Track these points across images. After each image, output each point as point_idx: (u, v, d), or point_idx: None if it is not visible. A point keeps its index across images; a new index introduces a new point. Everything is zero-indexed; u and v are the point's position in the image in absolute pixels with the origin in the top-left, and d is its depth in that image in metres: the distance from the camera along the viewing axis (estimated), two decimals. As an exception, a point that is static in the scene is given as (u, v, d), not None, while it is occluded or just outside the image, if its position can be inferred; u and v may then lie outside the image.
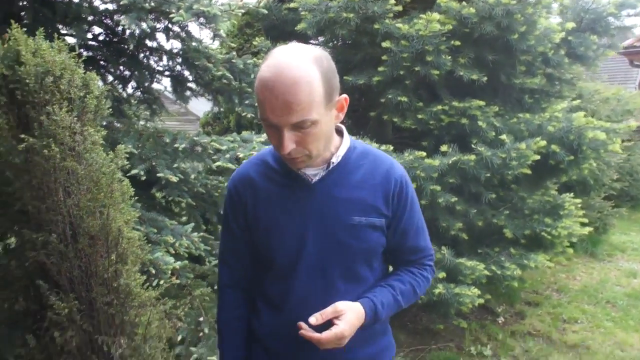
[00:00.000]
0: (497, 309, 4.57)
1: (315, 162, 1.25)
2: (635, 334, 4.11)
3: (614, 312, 4.59)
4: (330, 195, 1.27)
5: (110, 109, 1.95)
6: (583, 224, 4.35)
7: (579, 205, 4.53)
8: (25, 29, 2.60)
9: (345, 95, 1.24)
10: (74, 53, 1.77)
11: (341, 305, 1.23)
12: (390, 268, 1.46)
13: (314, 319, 1.20)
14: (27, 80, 1.58)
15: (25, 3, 2.59)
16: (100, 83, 2.92)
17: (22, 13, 2.65)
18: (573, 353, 3.82)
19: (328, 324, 1.21)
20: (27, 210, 1.67)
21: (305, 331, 1.21)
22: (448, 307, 3.49)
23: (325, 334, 1.19)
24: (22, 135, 1.57)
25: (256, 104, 2.91)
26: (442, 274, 3.37)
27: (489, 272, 3.57)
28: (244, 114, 2.98)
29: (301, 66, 1.09)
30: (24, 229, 1.65)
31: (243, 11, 2.72)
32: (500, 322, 4.39)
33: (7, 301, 1.77)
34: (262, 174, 1.32)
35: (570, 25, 3.59)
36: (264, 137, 2.79)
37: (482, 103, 3.42)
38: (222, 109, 3.19)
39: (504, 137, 3.33)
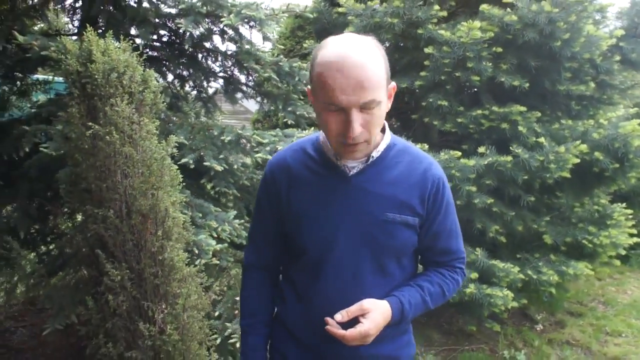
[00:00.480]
0: (536, 316, 4.54)
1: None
2: (680, 350, 3.98)
3: (662, 328, 4.45)
4: (366, 190, 1.27)
5: (166, 104, 2.19)
6: (632, 235, 4.25)
7: (630, 216, 4.43)
8: (100, 31, 2.94)
9: (394, 83, 1.23)
10: (136, 52, 2.03)
11: (367, 304, 1.24)
12: (420, 268, 1.46)
13: (340, 316, 1.22)
14: (96, 76, 1.85)
15: (101, 7, 2.90)
16: (160, 80, 3.22)
17: (98, 17, 2.98)
18: (611, 364, 3.76)
19: (354, 320, 1.23)
20: (90, 189, 1.93)
21: (331, 327, 1.23)
22: (479, 308, 3.54)
23: (350, 332, 1.20)
24: (90, 123, 1.83)
25: (300, 108, 3.13)
26: (474, 274, 3.43)
27: (524, 276, 3.59)
28: (284, 120, 3.17)
29: (367, 48, 1.12)
30: (88, 205, 1.91)
31: (287, 15, 2.91)
32: (538, 329, 4.37)
33: (73, 268, 2.05)
34: (299, 161, 1.33)
35: (620, 32, 3.54)
36: (305, 132, 2.98)
37: (523, 109, 3.45)
38: (271, 108, 3.39)
39: (542, 140, 3.34)
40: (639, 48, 3.70)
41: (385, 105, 1.20)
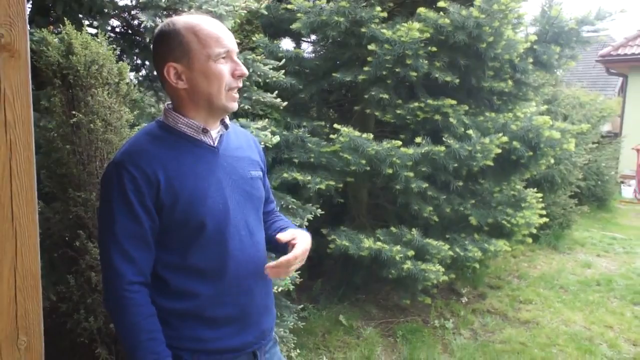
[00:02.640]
0: (461, 290, 5.05)
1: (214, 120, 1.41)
2: (579, 312, 4.63)
3: (564, 296, 5.11)
4: (230, 156, 1.43)
5: (137, 95, 2.32)
6: (541, 216, 4.85)
7: (541, 199, 5.04)
8: (52, 19, 2.96)
9: None
10: (112, 46, 2.15)
11: (292, 231, 1.47)
12: None
13: (282, 237, 1.42)
14: (78, 67, 1.96)
15: (55, -4, 2.92)
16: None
17: (51, 6, 2.99)
18: (524, 327, 4.31)
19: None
20: (71, 174, 2.05)
21: (275, 262, 1.37)
22: (415, 283, 3.94)
23: (298, 248, 1.39)
24: (73, 112, 1.95)
25: (255, 94, 3.33)
26: (410, 252, 3.82)
27: (453, 253, 4.03)
28: (241, 105, 3.36)
29: None
30: (69, 188, 2.02)
31: (245, 11, 3.09)
32: (463, 301, 4.87)
33: (48, 248, 2.15)
34: (165, 146, 1.34)
35: (533, 37, 4.06)
36: (260, 124, 3.18)
37: (453, 102, 3.87)
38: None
39: (470, 132, 3.78)
40: (549, 51, 4.23)
41: None
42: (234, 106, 1.39)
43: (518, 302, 4.90)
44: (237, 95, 1.38)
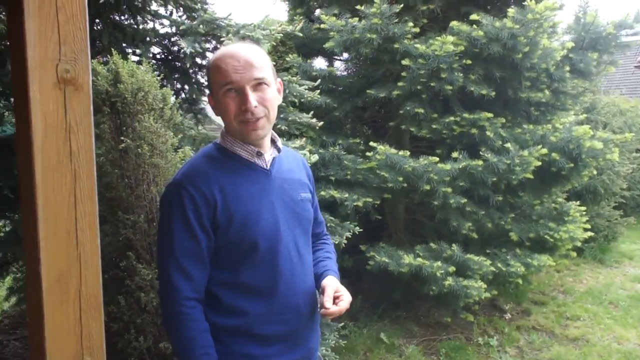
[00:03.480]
0: (504, 307, 4.92)
1: (266, 143, 1.44)
2: (632, 330, 4.44)
3: (615, 312, 4.91)
4: (282, 178, 1.47)
5: (180, 119, 2.39)
6: (586, 229, 4.70)
7: (584, 213, 4.88)
8: (98, 49, 3.10)
9: (280, 79, 1.49)
10: (156, 73, 2.24)
11: (333, 283, 1.48)
12: None
13: (330, 304, 1.41)
14: (125, 95, 2.04)
15: (100, 27, 3.07)
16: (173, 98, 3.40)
17: (96, 37, 3.14)
18: (573, 345, 4.16)
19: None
20: (119, 197, 2.12)
21: (326, 310, 1.40)
22: (456, 299, 3.87)
23: (343, 304, 1.43)
24: (122, 138, 2.02)
25: (291, 114, 3.37)
26: (451, 268, 3.75)
27: (494, 269, 3.95)
28: (278, 126, 3.42)
29: (253, 44, 1.43)
30: (118, 211, 2.09)
31: (281, 35, 3.16)
32: (507, 318, 4.74)
33: (104, 270, 2.22)
34: (221, 168, 1.40)
35: (570, 44, 3.99)
36: (298, 143, 3.22)
37: (490, 115, 3.83)
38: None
39: (508, 145, 3.72)
40: (586, 58, 4.14)
41: (275, 91, 1.43)
42: (252, 135, 1.39)
43: (565, 319, 4.74)
44: (253, 125, 1.37)
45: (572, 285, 5.76)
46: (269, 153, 1.47)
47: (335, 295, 1.46)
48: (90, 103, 1.08)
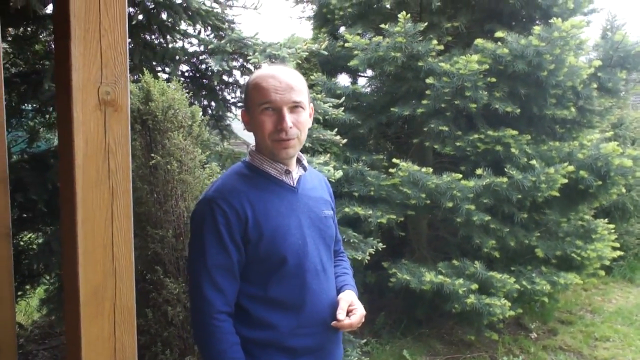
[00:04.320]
0: (530, 325, 4.82)
1: (293, 162, 1.50)
2: (664, 352, 4.30)
3: (646, 333, 4.77)
4: (307, 195, 1.52)
5: (207, 136, 2.45)
6: (614, 248, 4.60)
7: (613, 230, 4.78)
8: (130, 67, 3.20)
9: (312, 105, 1.56)
10: (185, 91, 2.30)
11: (348, 297, 1.53)
12: None
13: (342, 315, 1.46)
14: (156, 113, 2.11)
15: (131, 46, 3.17)
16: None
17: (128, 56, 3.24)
18: (602, 367, 4.06)
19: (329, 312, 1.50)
20: (149, 212, 2.17)
21: (338, 323, 1.45)
22: (479, 317, 3.82)
23: (354, 318, 1.48)
24: (152, 154, 2.09)
25: (315, 132, 3.42)
26: (474, 286, 3.71)
27: (519, 286, 3.89)
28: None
29: (293, 69, 1.52)
30: (147, 226, 2.15)
31: (307, 53, 3.22)
32: (532, 337, 4.65)
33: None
34: (251, 185, 1.45)
35: (597, 63, 3.95)
36: (322, 159, 3.26)
37: (514, 132, 3.81)
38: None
39: (534, 162, 3.69)
40: (614, 78, 4.10)
41: (308, 115, 1.49)
42: (283, 154, 1.44)
43: (593, 339, 4.62)
44: (286, 144, 1.42)
45: (601, 305, 5.61)
46: (295, 171, 1.52)
47: (349, 308, 1.50)
48: (128, 124, 1.13)
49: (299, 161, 1.56)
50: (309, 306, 1.47)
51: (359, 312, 1.51)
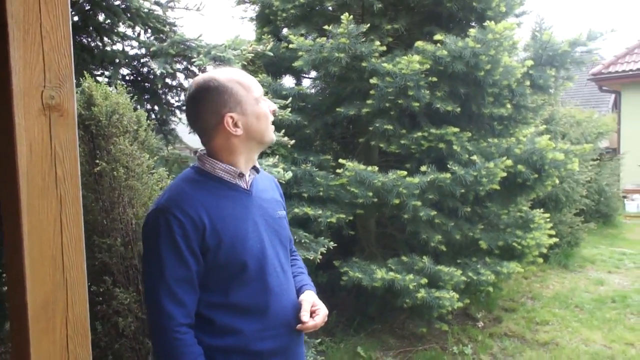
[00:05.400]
0: (477, 315, 5.02)
1: (249, 164, 1.50)
2: (598, 331, 4.60)
3: (581, 315, 5.08)
4: (261, 198, 1.52)
5: (154, 140, 2.39)
6: (550, 236, 4.87)
7: (548, 220, 5.06)
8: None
9: None
10: (129, 95, 2.24)
11: (310, 298, 1.54)
12: None
13: (306, 317, 1.46)
14: (100, 118, 2.03)
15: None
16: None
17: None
18: (544, 349, 4.28)
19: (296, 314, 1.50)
20: (94, 221, 2.09)
21: (302, 326, 1.46)
22: (430, 310, 3.93)
23: (318, 319, 1.50)
24: (97, 161, 2.01)
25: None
26: (423, 280, 3.82)
27: (466, 278, 4.04)
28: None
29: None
30: (94, 235, 2.07)
31: (252, 55, 3.20)
32: (479, 326, 4.84)
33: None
34: (204, 191, 1.41)
35: (529, 62, 4.18)
36: (271, 161, 3.25)
37: (456, 130, 3.96)
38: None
39: (475, 157, 3.85)
40: (545, 75, 4.35)
41: None
42: (275, 137, 1.55)
43: (535, 324, 4.87)
44: (273, 127, 1.53)
45: (540, 291, 5.93)
46: (248, 174, 1.50)
47: (312, 309, 1.51)
48: (75, 129, 1.09)
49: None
50: (272, 309, 1.46)
51: (322, 312, 1.53)
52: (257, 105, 1.44)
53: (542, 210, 5.26)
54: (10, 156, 1.03)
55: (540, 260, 4.98)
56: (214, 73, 1.47)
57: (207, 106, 1.42)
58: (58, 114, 1.06)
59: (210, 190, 1.42)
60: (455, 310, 4.70)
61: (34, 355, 1.06)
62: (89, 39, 3.32)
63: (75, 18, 3.18)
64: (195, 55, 3.00)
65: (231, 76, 1.45)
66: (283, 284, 1.51)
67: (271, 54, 3.56)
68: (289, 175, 3.15)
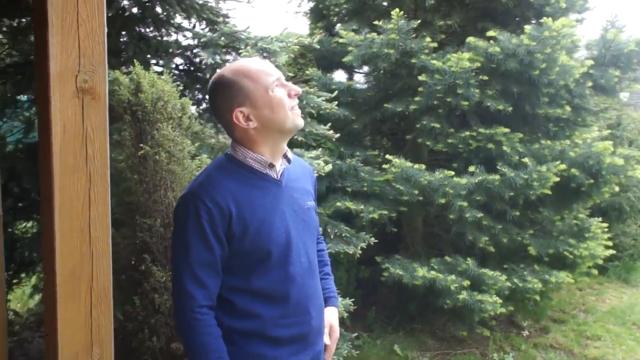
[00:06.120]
0: (522, 323, 4.85)
1: (279, 153, 1.52)
2: (654, 351, 4.33)
3: (638, 333, 4.79)
4: (291, 187, 1.53)
5: (198, 127, 2.49)
6: (607, 247, 4.62)
7: (606, 229, 4.80)
8: (123, 60, 3.24)
9: None
10: (176, 83, 2.34)
11: (328, 320, 1.65)
12: None
13: (328, 341, 1.62)
14: (146, 104, 2.14)
15: (125, 39, 3.21)
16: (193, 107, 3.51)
17: (123, 48, 3.28)
18: (591, 365, 4.09)
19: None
20: (138, 202, 2.21)
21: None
22: (471, 314, 3.85)
23: (332, 344, 1.66)
24: (141, 145, 2.12)
25: (308, 126, 3.45)
26: (466, 282, 3.75)
27: (510, 284, 3.92)
28: (294, 137, 3.52)
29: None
30: (136, 215, 2.19)
31: (298, 47, 3.25)
32: (524, 335, 4.67)
33: (116, 270, 2.31)
34: (234, 179, 1.44)
35: (589, 62, 3.97)
36: (314, 153, 3.29)
37: (507, 130, 3.83)
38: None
39: (526, 160, 3.72)
40: (607, 75, 4.12)
41: None
42: (301, 122, 1.50)
43: (585, 338, 4.64)
44: (299, 111, 1.49)
45: (594, 305, 5.64)
46: (279, 164, 1.52)
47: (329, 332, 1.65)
48: (106, 111, 1.16)
49: (284, 153, 1.56)
50: (293, 297, 1.49)
51: (334, 336, 1.64)
52: (268, 94, 1.41)
53: (600, 219, 4.99)
54: (46, 136, 1.11)
55: (595, 272, 4.73)
56: (223, 69, 1.49)
57: (219, 104, 1.46)
58: (90, 97, 1.13)
59: (240, 179, 1.45)
60: (499, 317, 4.58)
61: (60, 319, 1.15)
62: (147, 30, 3.47)
63: (134, 9, 3.34)
64: (243, 47, 3.08)
65: (238, 69, 1.44)
66: (307, 274, 1.53)
67: (318, 46, 3.58)
68: (329, 167, 3.18)
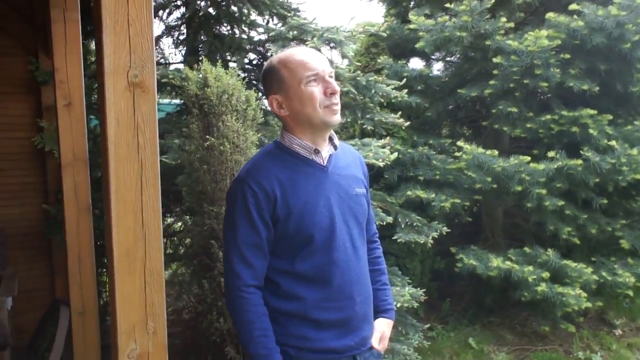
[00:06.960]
0: (615, 321, 4.50)
1: (325, 140, 1.53)
2: None
3: None
4: (337, 174, 1.53)
5: (263, 119, 2.58)
6: None
7: None
8: (200, 59, 3.41)
9: None
10: (240, 77, 2.44)
11: (380, 329, 1.68)
12: None
13: (376, 344, 1.64)
14: (212, 98, 2.26)
15: (203, 38, 3.38)
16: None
17: (199, 46, 3.47)
18: (694, 369, 3.71)
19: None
20: (206, 190, 2.34)
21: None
22: (552, 307, 3.64)
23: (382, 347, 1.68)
24: (207, 136, 2.24)
25: (377, 115, 3.43)
26: (545, 274, 3.55)
27: (598, 278, 3.65)
28: (364, 126, 3.51)
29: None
30: (204, 203, 2.32)
31: (363, 36, 3.23)
32: (616, 334, 4.34)
33: (190, 256, 2.47)
34: (280, 165, 1.48)
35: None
36: (381, 142, 3.27)
37: (593, 112, 3.55)
38: (348, 120, 3.73)
39: (613, 143, 3.43)
40: None
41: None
42: (334, 119, 1.48)
43: (689, 340, 4.22)
44: (336, 109, 1.48)
45: None
46: (325, 150, 1.54)
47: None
48: (155, 103, 1.25)
49: (330, 139, 1.58)
50: (336, 282, 1.51)
51: (382, 345, 1.67)
52: (300, 87, 1.43)
53: None
54: (103, 127, 1.22)
55: None
56: (274, 56, 1.53)
57: (264, 88, 1.54)
58: (140, 90, 1.23)
59: (286, 164, 1.49)
60: (587, 313, 4.29)
61: (118, 293, 1.26)
62: (222, 28, 3.64)
63: (210, 10, 3.52)
64: (309, 38, 3.12)
65: (282, 58, 1.48)
66: (351, 259, 1.55)
67: (384, 34, 3.54)
68: (393, 156, 3.15)
